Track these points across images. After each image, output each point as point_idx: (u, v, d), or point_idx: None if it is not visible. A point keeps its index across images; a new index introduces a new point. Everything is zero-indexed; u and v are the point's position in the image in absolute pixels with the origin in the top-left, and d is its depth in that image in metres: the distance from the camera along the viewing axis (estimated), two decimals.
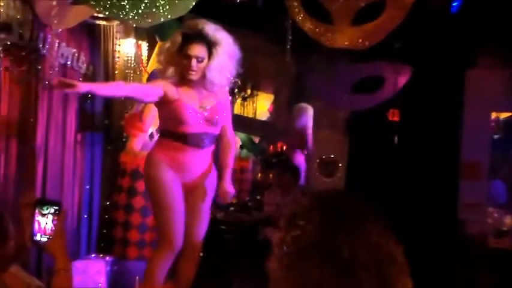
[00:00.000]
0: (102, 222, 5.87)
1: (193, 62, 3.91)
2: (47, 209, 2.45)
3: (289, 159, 8.22)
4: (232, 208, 8.17)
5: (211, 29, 3.98)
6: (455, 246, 5.92)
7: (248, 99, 9.16)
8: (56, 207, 2.48)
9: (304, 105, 8.83)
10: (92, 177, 5.85)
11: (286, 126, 9.42)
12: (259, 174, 9.85)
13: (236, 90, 8.49)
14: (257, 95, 9.29)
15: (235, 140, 4.44)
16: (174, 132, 4.05)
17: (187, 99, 4.00)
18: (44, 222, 2.43)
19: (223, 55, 3.98)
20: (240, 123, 9.16)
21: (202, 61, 3.93)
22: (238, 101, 9.08)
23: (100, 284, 3.41)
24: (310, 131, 8.37)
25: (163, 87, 3.94)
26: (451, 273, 5.84)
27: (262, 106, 9.52)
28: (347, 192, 1.62)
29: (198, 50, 3.92)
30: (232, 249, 6.82)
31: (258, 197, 8.68)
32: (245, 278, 6.54)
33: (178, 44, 3.94)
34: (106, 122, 5.94)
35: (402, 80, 6.82)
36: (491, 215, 6.35)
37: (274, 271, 1.54)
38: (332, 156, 7.45)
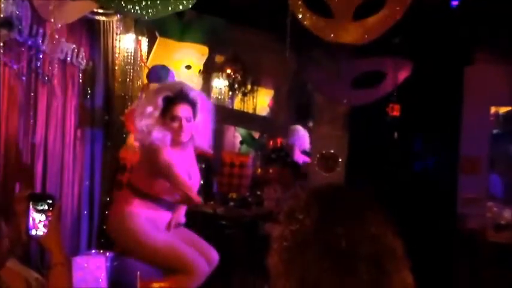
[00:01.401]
0: (102, 218, 5.87)
1: (184, 122, 3.85)
2: (41, 204, 2.45)
3: (289, 155, 8.22)
4: (232, 203, 8.19)
5: (188, 89, 3.95)
6: (454, 241, 5.94)
7: (248, 95, 9.17)
8: (50, 201, 2.48)
9: (296, 126, 8.90)
10: (91, 173, 5.85)
11: (286, 122, 9.43)
12: (259, 170, 9.87)
13: (236, 85, 8.51)
14: (257, 90, 9.30)
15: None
16: (151, 195, 3.94)
17: (181, 169, 3.90)
18: (39, 217, 2.43)
19: (203, 113, 3.96)
20: (240, 118, 9.18)
21: (190, 121, 3.88)
22: (239, 96, 9.09)
23: (100, 280, 3.42)
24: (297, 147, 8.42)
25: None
26: (450, 267, 5.85)
27: (262, 101, 9.52)
28: (345, 186, 1.63)
29: (185, 110, 3.86)
30: (232, 244, 6.84)
31: (258, 192, 8.69)
32: (246, 273, 6.56)
33: (160, 107, 3.83)
34: (106, 118, 5.95)
35: (402, 75, 6.82)
36: (491, 209, 6.35)
37: (274, 266, 1.54)
38: (332, 151, 7.45)
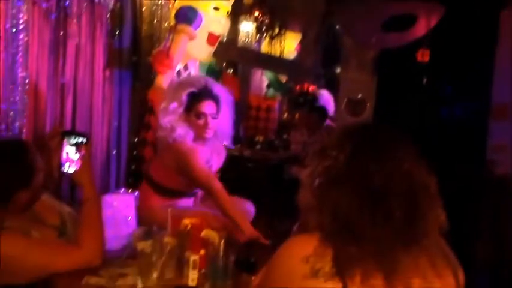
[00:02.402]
0: (131, 158, 5.93)
1: (209, 119, 3.78)
2: (74, 140, 2.49)
3: (316, 99, 8.19)
4: (258, 146, 8.23)
5: (212, 84, 3.88)
6: (482, 186, 5.91)
7: (276, 38, 9.09)
8: (82, 138, 2.52)
9: (321, 91, 8.82)
10: (120, 114, 5.88)
11: (313, 66, 9.37)
12: (286, 114, 9.87)
13: (264, 28, 8.44)
14: (285, 33, 9.21)
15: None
16: (174, 190, 3.90)
17: (201, 158, 3.85)
18: (71, 153, 2.47)
19: (226, 107, 3.90)
20: (267, 62, 9.13)
21: (215, 117, 3.81)
22: (266, 39, 9.02)
23: (129, 218, 3.45)
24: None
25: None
26: (477, 212, 5.85)
27: (289, 45, 9.44)
28: (379, 123, 1.62)
29: (210, 107, 3.79)
30: (258, 186, 6.89)
31: (285, 136, 8.71)
32: (272, 216, 6.62)
33: (185, 103, 3.76)
34: (134, 59, 5.93)
35: (434, 19, 6.69)
36: None
37: (306, 202, 1.56)
38: (360, 96, 7.40)
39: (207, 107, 3.77)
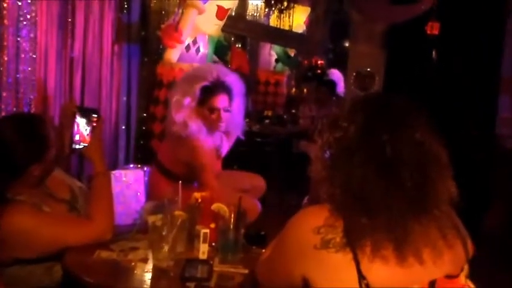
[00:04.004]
0: (140, 133, 5.94)
1: (222, 113, 3.75)
2: (86, 115, 2.51)
3: (325, 73, 8.15)
4: (267, 121, 8.22)
5: (224, 74, 3.82)
6: (492, 159, 5.91)
7: (284, 12, 9.03)
8: (95, 115, 2.54)
9: (331, 70, 8.77)
10: (129, 88, 5.87)
11: (321, 40, 9.32)
12: (294, 88, 9.84)
13: (273, 1, 8.38)
14: (294, 7, 9.15)
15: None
16: (183, 177, 3.76)
17: (211, 153, 3.88)
18: (83, 129, 2.49)
19: (237, 98, 3.87)
20: (276, 35, 9.09)
21: (227, 110, 3.78)
22: (275, 13, 8.96)
23: (139, 193, 3.48)
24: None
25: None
26: (487, 185, 5.85)
27: (298, 19, 9.38)
28: (391, 93, 1.61)
29: (223, 101, 3.76)
30: (267, 160, 6.90)
31: (293, 111, 8.70)
32: (281, 189, 6.64)
33: (198, 98, 3.73)
34: (143, 33, 5.92)
35: None
36: None
37: (317, 173, 1.56)
38: (369, 69, 7.36)
39: (220, 101, 3.75)
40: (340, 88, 8.05)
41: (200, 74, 3.90)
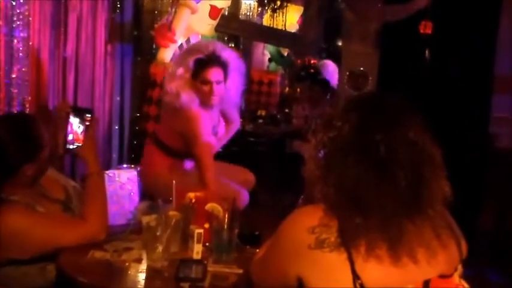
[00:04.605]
0: (133, 133, 5.94)
1: (214, 86, 3.73)
2: (80, 115, 2.51)
3: (319, 72, 8.16)
4: (260, 120, 8.22)
5: (221, 49, 3.81)
6: (485, 159, 5.92)
7: (278, 11, 9.04)
8: (89, 115, 2.54)
9: (326, 61, 8.77)
10: (122, 88, 5.88)
11: (315, 39, 9.32)
12: (288, 88, 9.84)
13: (266, 1, 8.38)
14: (287, 6, 9.15)
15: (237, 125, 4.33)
16: (179, 151, 3.90)
17: (206, 126, 3.84)
18: (77, 128, 2.49)
19: (234, 73, 3.85)
20: (269, 35, 9.09)
21: (221, 84, 3.77)
22: (268, 12, 8.96)
23: (132, 193, 3.47)
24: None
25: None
26: (481, 184, 5.87)
27: (291, 18, 9.39)
28: (385, 93, 1.62)
29: (216, 74, 3.74)
30: (260, 160, 6.90)
31: (287, 110, 8.70)
32: (274, 189, 6.64)
33: (191, 69, 3.73)
34: (136, 33, 5.92)
35: None
36: None
37: (311, 173, 1.56)
38: (362, 69, 7.36)
39: (213, 74, 3.74)
40: (334, 81, 8.07)
41: (196, 48, 3.94)
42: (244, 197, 3.93)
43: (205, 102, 3.80)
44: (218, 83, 3.76)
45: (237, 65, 3.90)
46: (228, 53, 3.86)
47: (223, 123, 4.13)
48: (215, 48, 3.80)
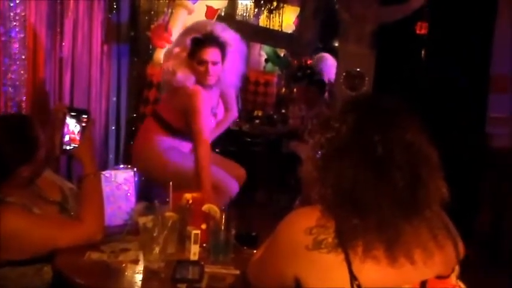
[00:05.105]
0: (129, 133, 5.93)
1: (210, 66, 3.74)
2: (76, 116, 2.50)
3: (315, 73, 8.16)
4: (257, 121, 8.22)
5: (220, 30, 3.81)
6: (482, 158, 5.92)
7: (274, 12, 9.04)
8: (85, 115, 2.53)
9: (324, 54, 8.79)
10: (118, 89, 5.87)
11: (311, 40, 9.32)
12: (284, 88, 9.84)
13: (262, 1, 8.38)
14: (283, 7, 9.16)
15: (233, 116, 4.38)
16: (175, 127, 3.91)
17: (205, 106, 3.85)
18: (74, 129, 2.48)
19: (234, 55, 3.85)
20: (266, 36, 9.09)
21: (217, 64, 3.77)
22: (264, 13, 8.97)
23: (129, 194, 3.47)
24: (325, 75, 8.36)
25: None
26: (477, 184, 5.87)
27: (288, 19, 9.39)
28: (382, 94, 1.62)
29: (213, 54, 3.75)
30: (257, 160, 6.90)
31: (283, 111, 8.71)
32: (270, 189, 6.65)
33: (188, 48, 3.75)
34: (132, 34, 5.91)
35: None
36: None
37: (308, 174, 1.56)
38: (358, 69, 7.37)
39: (209, 53, 3.75)
40: (332, 74, 8.09)
41: (194, 27, 3.95)
42: (233, 186, 3.96)
43: (201, 81, 3.81)
44: (214, 63, 3.77)
45: (238, 47, 3.90)
46: (229, 34, 3.86)
47: (222, 106, 4.14)
48: (214, 29, 3.81)
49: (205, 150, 3.70)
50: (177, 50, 3.80)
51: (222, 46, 3.79)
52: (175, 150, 3.93)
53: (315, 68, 8.65)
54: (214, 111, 4.01)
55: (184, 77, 3.76)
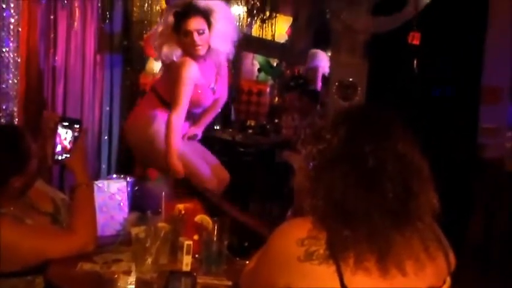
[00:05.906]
0: (122, 143, 5.92)
1: (196, 36, 3.72)
2: (68, 126, 2.49)
3: (308, 83, 8.18)
4: (250, 131, 8.22)
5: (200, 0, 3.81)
6: (473, 169, 5.94)
7: (267, 21, 9.06)
8: (77, 125, 2.53)
9: (316, 50, 8.82)
10: (111, 98, 5.87)
11: (304, 50, 9.35)
12: (277, 98, 9.86)
13: (255, 11, 8.40)
14: (276, 17, 9.17)
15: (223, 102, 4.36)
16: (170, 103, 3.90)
17: (203, 81, 3.88)
18: (66, 139, 2.47)
19: (221, 21, 3.82)
20: (259, 45, 9.10)
21: (203, 33, 3.74)
22: (257, 23, 8.98)
23: (121, 204, 3.46)
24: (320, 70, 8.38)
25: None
26: (468, 195, 5.88)
27: (280, 28, 9.41)
28: (374, 105, 1.63)
29: (196, 23, 3.72)
30: (250, 170, 6.90)
31: (276, 120, 8.71)
32: (263, 200, 6.64)
33: (171, 23, 3.75)
34: (125, 43, 5.92)
35: (423, 2, 6.69)
36: (510, 139, 6.32)
37: (300, 185, 1.57)
38: (351, 79, 7.38)
39: (192, 23, 3.73)
40: (326, 68, 8.12)
41: (174, 4, 3.97)
42: (205, 172, 3.96)
43: (191, 54, 3.79)
44: (200, 32, 3.75)
45: (223, 12, 3.89)
46: (209, 2, 3.84)
47: (222, 84, 4.14)
48: (192, 0, 3.80)
49: (177, 118, 3.72)
50: (161, 28, 3.83)
51: (205, 14, 3.77)
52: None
53: (307, 75, 8.66)
54: (212, 87, 4.00)
55: (169, 51, 3.77)
